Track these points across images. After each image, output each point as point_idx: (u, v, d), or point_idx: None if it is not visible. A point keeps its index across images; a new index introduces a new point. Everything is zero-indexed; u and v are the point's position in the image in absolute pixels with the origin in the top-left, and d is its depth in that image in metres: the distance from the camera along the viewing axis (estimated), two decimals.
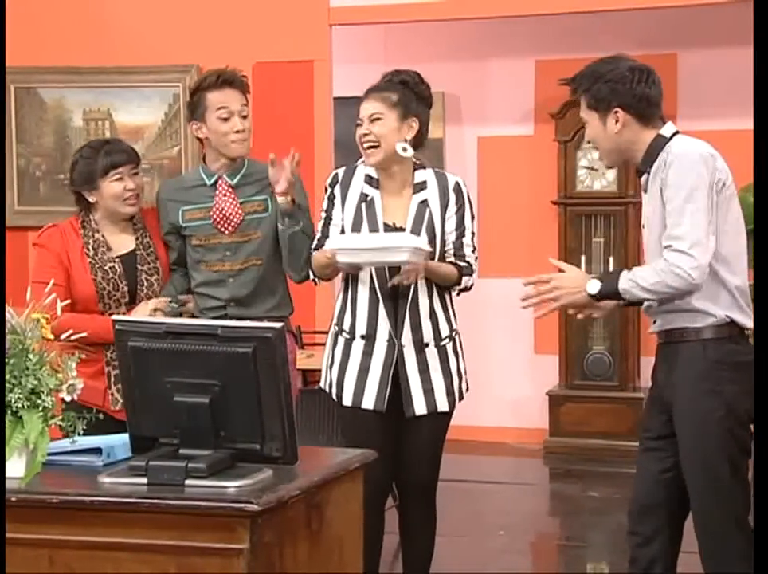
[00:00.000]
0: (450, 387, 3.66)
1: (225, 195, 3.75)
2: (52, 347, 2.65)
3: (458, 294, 3.70)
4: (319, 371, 5.74)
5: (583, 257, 6.92)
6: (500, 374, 7.20)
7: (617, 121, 3.26)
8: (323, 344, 5.75)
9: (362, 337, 3.63)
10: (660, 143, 3.26)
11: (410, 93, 3.63)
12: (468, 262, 3.65)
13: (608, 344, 6.94)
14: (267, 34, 6.03)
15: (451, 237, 3.64)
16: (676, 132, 3.29)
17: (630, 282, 3.19)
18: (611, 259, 6.88)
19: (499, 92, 7.21)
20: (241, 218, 3.74)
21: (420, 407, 3.62)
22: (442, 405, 3.64)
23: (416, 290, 3.60)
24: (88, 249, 3.71)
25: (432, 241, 3.60)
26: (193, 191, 3.79)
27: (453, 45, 7.12)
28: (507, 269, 7.05)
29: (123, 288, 3.70)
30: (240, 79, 3.77)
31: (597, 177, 6.92)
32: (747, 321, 3.25)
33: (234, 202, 3.74)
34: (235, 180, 3.76)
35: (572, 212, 6.97)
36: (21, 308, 2.66)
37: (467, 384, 3.75)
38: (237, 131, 3.71)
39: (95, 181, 3.68)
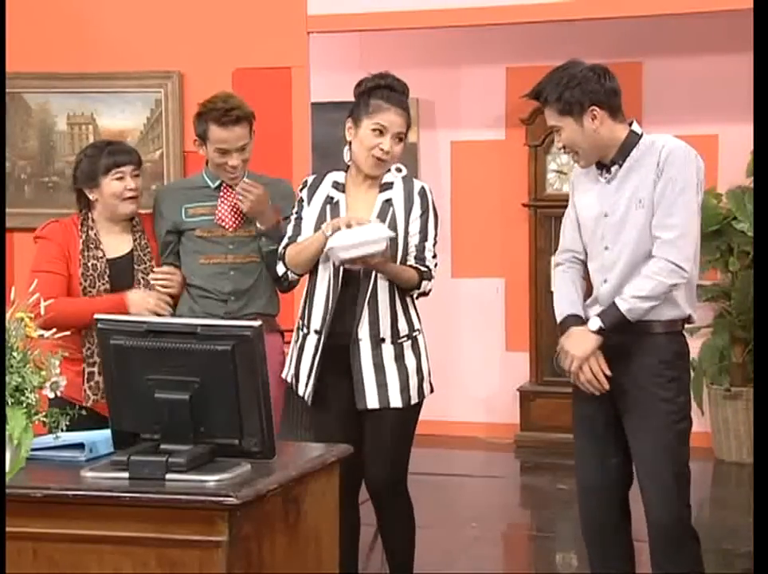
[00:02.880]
0: (405, 384, 3.64)
1: (229, 196, 3.85)
2: (36, 346, 2.66)
3: (417, 298, 3.70)
4: None
5: (552, 258, 7.06)
6: (473, 370, 7.25)
7: (593, 119, 3.31)
8: None
9: (315, 332, 3.65)
10: (634, 140, 3.36)
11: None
12: (427, 267, 3.65)
13: None
14: (247, 42, 6.10)
15: (414, 240, 3.65)
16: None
17: (630, 300, 3.25)
18: None
19: (471, 98, 7.29)
20: (243, 217, 3.84)
21: (372, 401, 3.61)
22: (395, 401, 3.62)
23: (375, 286, 3.60)
24: (81, 246, 3.77)
25: (393, 240, 3.59)
26: (197, 192, 3.88)
27: (427, 52, 7.18)
28: (480, 269, 7.17)
29: (100, 286, 3.75)
30: (246, 116, 3.78)
31: (565, 180, 6.96)
32: (694, 316, 3.42)
33: (237, 203, 3.84)
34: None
35: (542, 214, 7.04)
36: (6, 307, 2.68)
37: (430, 385, 3.74)
38: (232, 167, 3.79)
39: (96, 178, 3.76)
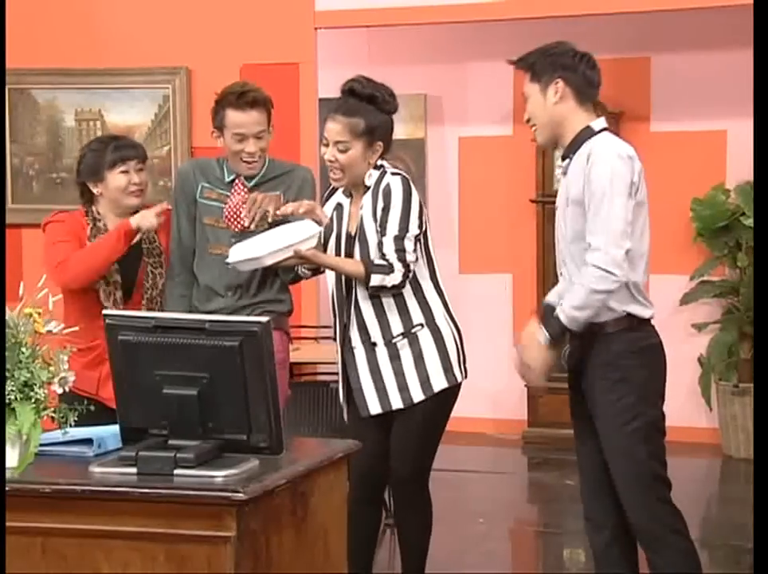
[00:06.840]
0: (403, 384, 3.59)
1: (239, 195, 3.79)
2: (45, 341, 2.68)
3: (374, 291, 3.54)
4: (304, 364, 5.86)
5: None
6: (480, 366, 7.15)
7: (556, 92, 3.32)
8: (308, 338, 5.93)
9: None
10: (586, 134, 3.32)
11: (377, 114, 3.56)
12: (387, 261, 3.50)
13: None
14: (254, 37, 6.13)
15: (377, 237, 3.56)
16: (605, 128, 3.35)
17: (567, 311, 3.23)
18: None
19: (479, 93, 7.27)
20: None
21: (374, 407, 3.61)
22: (396, 402, 3.59)
23: (355, 292, 3.59)
24: (89, 233, 3.78)
25: (365, 243, 3.57)
26: (213, 175, 3.84)
27: (435, 48, 7.19)
28: (488, 265, 7.19)
29: (110, 278, 3.75)
30: (263, 99, 3.75)
31: None
32: (645, 312, 3.33)
33: (244, 203, 3.76)
34: (251, 183, 3.80)
35: (549, 210, 6.96)
36: (15, 303, 2.71)
37: (462, 371, 3.66)
38: (249, 153, 3.74)
39: (101, 172, 3.76)
